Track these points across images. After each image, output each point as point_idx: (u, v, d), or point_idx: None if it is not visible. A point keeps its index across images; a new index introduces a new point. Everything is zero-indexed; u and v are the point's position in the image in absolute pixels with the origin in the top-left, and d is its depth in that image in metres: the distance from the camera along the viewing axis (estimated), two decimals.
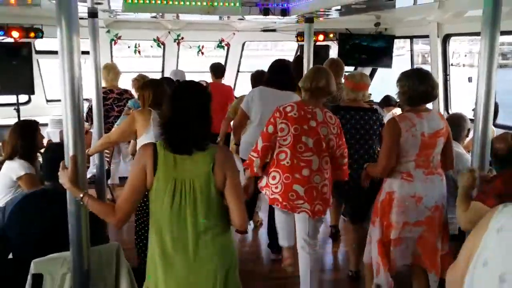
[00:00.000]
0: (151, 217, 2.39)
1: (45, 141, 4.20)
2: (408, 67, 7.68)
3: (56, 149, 2.87)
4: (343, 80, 4.85)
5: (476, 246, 1.34)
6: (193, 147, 2.32)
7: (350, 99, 4.17)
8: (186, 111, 2.33)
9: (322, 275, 4.37)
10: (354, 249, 4.35)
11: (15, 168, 3.79)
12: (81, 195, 2.38)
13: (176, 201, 2.28)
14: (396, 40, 7.86)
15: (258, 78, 5.27)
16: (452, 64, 6.96)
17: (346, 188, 4.07)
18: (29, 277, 2.49)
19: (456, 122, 3.97)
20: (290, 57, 7.71)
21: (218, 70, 6.98)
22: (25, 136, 3.86)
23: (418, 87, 3.26)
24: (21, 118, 6.19)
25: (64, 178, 2.41)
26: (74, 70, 2.30)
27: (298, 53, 8.48)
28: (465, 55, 25.86)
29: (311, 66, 5.28)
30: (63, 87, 2.30)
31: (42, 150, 4.11)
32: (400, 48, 13.79)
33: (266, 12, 5.13)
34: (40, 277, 2.49)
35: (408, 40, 7.97)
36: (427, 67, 5.42)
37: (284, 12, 5.23)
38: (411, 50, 8.05)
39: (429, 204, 3.32)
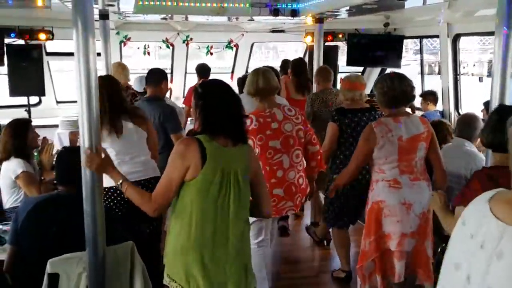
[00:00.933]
0: (185, 208, 2.33)
1: (40, 140, 4.13)
2: (418, 75, 7.67)
3: (67, 154, 2.89)
4: (338, 85, 4.80)
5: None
6: (240, 138, 2.40)
7: (349, 99, 4.15)
8: (236, 103, 2.41)
9: (317, 277, 4.36)
10: (342, 251, 4.29)
11: (12, 167, 3.75)
12: (121, 181, 2.41)
13: (222, 192, 2.32)
14: None
15: (243, 83, 5.07)
16: (461, 74, 6.91)
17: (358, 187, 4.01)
18: (45, 276, 2.50)
19: (468, 122, 3.96)
20: None
21: (204, 70, 6.77)
22: (17, 134, 3.82)
23: (398, 86, 3.27)
24: (32, 120, 6.20)
25: (97, 163, 2.36)
26: (90, 71, 2.30)
27: (307, 54, 8.47)
28: (474, 65, 25.41)
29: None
30: (79, 88, 2.31)
31: (41, 149, 4.11)
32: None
33: (276, 12, 5.14)
34: (56, 277, 2.50)
35: (410, 50, 7.94)
36: (434, 77, 5.39)
37: (294, 13, 5.24)
38: (421, 54, 8.03)
39: (418, 211, 3.29)
